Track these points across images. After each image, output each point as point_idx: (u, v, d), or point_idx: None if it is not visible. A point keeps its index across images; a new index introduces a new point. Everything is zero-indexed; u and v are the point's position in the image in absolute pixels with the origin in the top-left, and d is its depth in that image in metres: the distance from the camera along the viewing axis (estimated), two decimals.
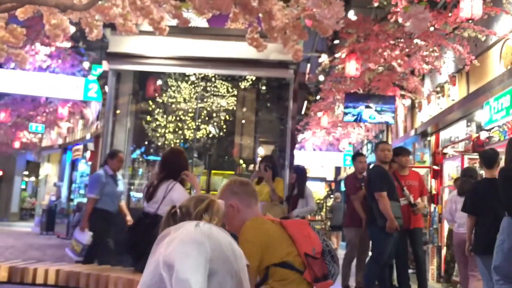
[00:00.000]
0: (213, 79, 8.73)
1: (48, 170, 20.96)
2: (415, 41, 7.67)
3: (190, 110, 8.75)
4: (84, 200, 15.51)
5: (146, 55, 6.77)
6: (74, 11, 4.31)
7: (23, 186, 25.73)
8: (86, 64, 12.89)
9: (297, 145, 16.27)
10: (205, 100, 8.77)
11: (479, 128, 7.46)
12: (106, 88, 8.02)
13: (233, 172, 9.34)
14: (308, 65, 14.82)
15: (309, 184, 6.48)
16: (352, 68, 7.88)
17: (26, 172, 25.72)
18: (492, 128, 6.87)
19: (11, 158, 21.64)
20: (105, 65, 7.19)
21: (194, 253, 1.65)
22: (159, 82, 8.49)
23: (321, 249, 2.39)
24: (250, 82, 8.77)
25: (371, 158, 12.02)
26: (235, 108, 8.89)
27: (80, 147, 17.36)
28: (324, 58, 9.71)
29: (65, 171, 18.66)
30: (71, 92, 11.80)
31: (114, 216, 5.55)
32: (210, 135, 8.89)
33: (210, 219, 1.86)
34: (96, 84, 11.83)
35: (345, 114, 9.91)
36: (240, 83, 8.74)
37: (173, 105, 8.72)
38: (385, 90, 9.55)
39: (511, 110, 6.14)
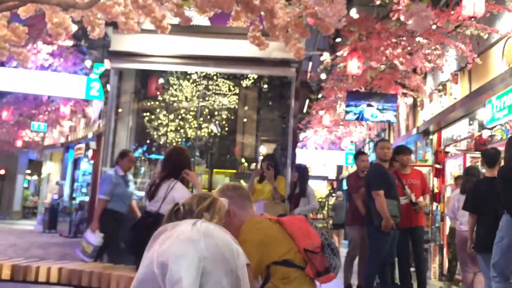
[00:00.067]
0: (215, 77, 8.74)
1: (51, 168, 20.99)
2: (417, 39, 7.66)
3: (192, 108, 8.76)
4: (86, 198, 15.57)
5: (148, 53, 6.78)
6: (76, 9, 4.32)
7: (26, 185, 25.80)
8: (88, 63, 12.89)
9: (299, 144, 16.26)
10: (207, 98, 8.77)
11: (481, 126, 7.44)
12: (108, 87, 8.03)
13: (235, 171, 9.36)
14: (310, 64, 14.81)
15: (311, 183, 6.48)
16: (354, 66, 7.87)
17: (29, 171, 25.79)
18: (495, 126, 6.86)
19: (13, 156, 21.69)
20: (107, 64, 7.20)
21: (188, 252, 1.64)
22: (161, 80, 8.49)
23: (320, 243, 2.39)
24: (252, 81, 8.77)
25: (373, 156, 11.99)
26: (237, 106, 8.90)
27: (82, 145, 17.38)
28: (326, 57, 9.70)
29: (67, 170, 18.69)
30: (73, 91, 11.80)
31: (125, 217, 5.44)
32: (212, 134, 8.90)
33: (211, 217, 1.86)
34: (98, 83, 11.83)
35: (347, 112, 9.89)
36: (242, 82, 8.75)
37: (175, 104, 8.73)
38: (387, 89, 9.54)
39: None
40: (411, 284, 5.61)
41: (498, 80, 6.67)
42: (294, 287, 2.27)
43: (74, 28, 4.69)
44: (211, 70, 7.97)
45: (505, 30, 6.69)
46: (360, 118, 9.97)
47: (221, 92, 8.81)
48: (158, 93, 8.45)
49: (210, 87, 8.77)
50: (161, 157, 7.00)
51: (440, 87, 9.14)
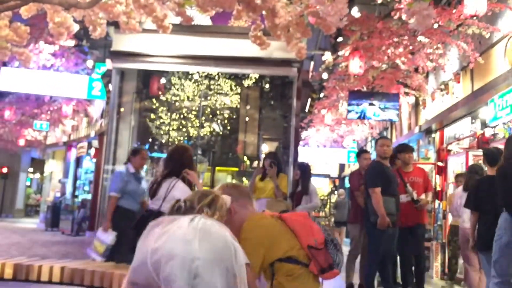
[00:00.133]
0: (216, 77, 8.75)
1: (53, 167, 21.04)
2: (419, 38, 7.64)
3: (193, 108, 8.77)
4: (88, 196, 15.60)
5: (150, 53, 6.78)
6: (78, 9, 4.32)
7: (28, 183, 25.86)
8: (90, 63, 12.91)
9: (301, 142, 16.26)
10: (208, 98, 8.79)
11: (484, 125, 7.43)
12: (110, 86, 8.04)
13: (237, 169, 9.37)
14: (312, 63, 14.78)
15: (313, 181, 6.48)
16: (355, 66, 7.85)
17: (31, 169, 25.85)
18: (497, 125, 6.85)
19: (16, 155, 21.77)
20: (109, 64, 7.20)
21: (180, 253, 1.65)
22: (163, 80, 8.51)
23: (323, 239, 2.39)
24: (254, 80, 8.78)
25: (375, 155, 11.98)
26: (238, 106, 8.91)
27: (85, 144, 17.43)
28: (327, 56, 9.68)
29: (69, 168, 18.74)
30: (75, 91, 11.82)
31: (136, 215, 5.32)
32: (214, 133, 8.91)
33: (212, 214, 1.86)
34: (100, 83, 11.85)
35: (349, 111, 9.88)
36: (243, 81, 8.76)
37: (177, 103, 8.75)
38: (389, 88, 9.52)
39: None
40: (413, 282, 5.61)
41: (500, 79, 6.65)
42: (299, 284, 2.27)
43: (76, 27, 4.69)
44: (213, 70, 7.97)
45: (507, 29, 6.66)
46: (362, 117, 9.95)
47: (223, 91, 8.82)
48: (160, 92, 8.47)
49: (211, 86, 8.79)
50: (164, 156, 7.01)
51: (442, 87, 9.12)
